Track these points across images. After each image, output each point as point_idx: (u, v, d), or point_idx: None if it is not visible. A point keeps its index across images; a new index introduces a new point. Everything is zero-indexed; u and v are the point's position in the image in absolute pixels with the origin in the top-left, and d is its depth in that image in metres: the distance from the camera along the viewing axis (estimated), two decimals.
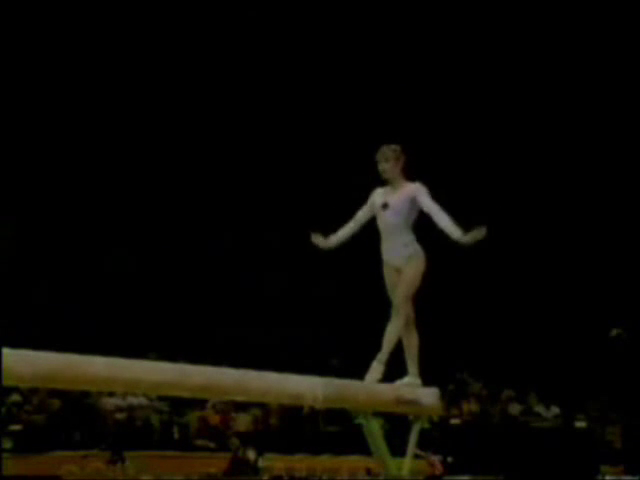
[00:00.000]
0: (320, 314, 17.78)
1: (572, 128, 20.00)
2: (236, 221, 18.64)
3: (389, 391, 7.01)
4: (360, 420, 6.90)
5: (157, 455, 13.38)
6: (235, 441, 14.07)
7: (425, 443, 7.47)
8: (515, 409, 16.67)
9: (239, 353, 11.86)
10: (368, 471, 12.41)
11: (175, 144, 18.59)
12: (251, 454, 13.80)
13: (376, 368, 7.03)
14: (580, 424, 16.48)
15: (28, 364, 5.48)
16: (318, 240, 7.36)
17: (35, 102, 17.52)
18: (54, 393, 13.06)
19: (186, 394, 6.75)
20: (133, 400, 13.96)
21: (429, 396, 7.18)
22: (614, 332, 17.53)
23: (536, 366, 17.44)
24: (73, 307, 16.31)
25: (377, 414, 6.95)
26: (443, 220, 6.98)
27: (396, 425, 7.15)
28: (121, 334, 14.91)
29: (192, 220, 18.30)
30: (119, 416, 13.92)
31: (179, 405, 14.34)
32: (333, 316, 17.89)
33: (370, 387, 6.97)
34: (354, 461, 13.21)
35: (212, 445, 14.26)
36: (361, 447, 7.52)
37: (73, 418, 13.51)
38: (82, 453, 12.95)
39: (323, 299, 18.33)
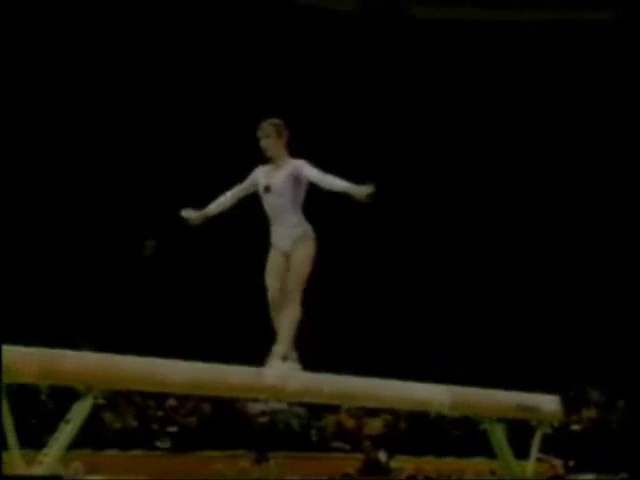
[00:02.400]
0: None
1: (535, 117, 19.18)
2: None
3: (511, 398, 6.84)
4: (484, 425, 6.75)
5: (297, 456, 13.42)
6: (368, 444, 14.01)
7: (547, 447, 7.20)
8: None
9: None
10: (492, 473, 12.12)
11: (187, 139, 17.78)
12: (382, 456, 13.72)
13: (276, 364, 6.04)
14: None
15: (181, 373, 5.54)
16: (189, 214, 6.36)
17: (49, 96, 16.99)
18: (205, 398, 13.20)
19: (319, 400, 6.71)
20: (275, 405, 14.01)
21: (550, 403, 7.01)
22: None
23: None
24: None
25: (500, 420, 6.80)
26: (334, 183, 6.05)
27: (519, 430, 6.97)
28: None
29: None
30: (263, 420, 14.00)
31: (316, 410, 14.33)
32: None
33: (493, 394, 6.82)
34: (479, 463, 12.95)
35: (347, 447, 14.23)
36: (485, 450, 7.37)
37: (222, 421, 13.64)
38: (230, 453, 13.07)
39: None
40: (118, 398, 12.68)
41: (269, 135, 6.20)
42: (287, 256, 6.19)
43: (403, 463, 13.78)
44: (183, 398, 13.36)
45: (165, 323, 15.25)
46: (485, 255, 18.27)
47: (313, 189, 6.25)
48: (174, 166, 17.46)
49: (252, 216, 6.46)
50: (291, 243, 6.18)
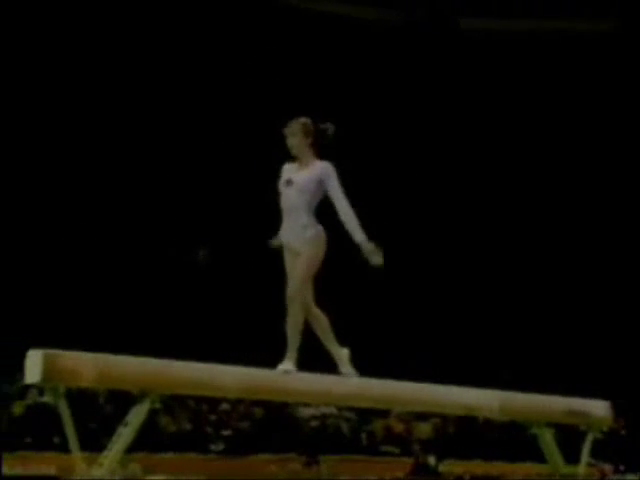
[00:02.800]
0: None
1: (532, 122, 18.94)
2: None
3: (561, 403, 6.78)
4: (534, 430, 6.69)
5: (347, 459, 13.40)
6: (417, 447, 13.95)
7: (597, 452, 7.12)
8: None
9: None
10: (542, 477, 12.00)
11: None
12: (431, 460, 13.66)
13: (286, 368, 5.90)
14: None
15: (235, 378, 5.58)
16: (277, 244, 6.17)
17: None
18: (257, 403, 13.25)
19: (368, 405, 6.70)
20: (325, 409, 14.02)
21: (600, 408, 6.93)
22: None
23: None
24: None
25: (549, 424, 6.74)
26: (346, 214, 5.88)
27: (568, 434, 6.91)
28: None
29: None
30: (313, 423, 14.01)
31: (366, 414, 14.30)
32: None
33: (542, 400, 6.77)
34: (528, 467, 12.84)
35: (396, 451, 14.18)
36: (535, 454, 7.31)
37: (274, 425, 13.67)
38: (282, 456, 13.10)
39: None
40: (173, 402, 12.78)
41: (295, 133, 6.08)
42: (297, 255, 6.03)
43: (452, 467, 13.71)
44: (236, 402, 13.42)
45: (216, 329, 15.34)
46: (527, 265, 18.14)
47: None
48: (230, 174, 17.52)
49: None
50: (301, 243, 6.01)
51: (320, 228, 6.05)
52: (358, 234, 5.89)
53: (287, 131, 6.09)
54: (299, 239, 6.01)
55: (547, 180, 18.78)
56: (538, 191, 18.76)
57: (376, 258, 5.86)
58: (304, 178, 6.02)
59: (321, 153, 6.14)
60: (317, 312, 6.08)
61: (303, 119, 6.11)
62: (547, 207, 18.64)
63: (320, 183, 6.00)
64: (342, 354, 6.10)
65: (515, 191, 18.80)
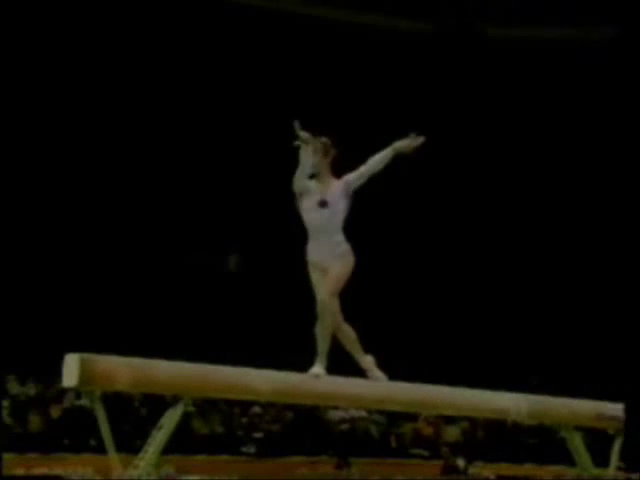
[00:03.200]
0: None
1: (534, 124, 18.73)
2: None
3: (590, 407, 6.72)
4: (562, 433, 6.65)
5: (377, 462, 13.37)
6: (446, 450, 13.89)
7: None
8: None
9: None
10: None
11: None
12: (460, 462, 13.60)
13: (317, 372, 5.93)
14: None
15: (267, 382, 5.59)
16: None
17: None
18: (288, 406, 13.25)
19: (397, 408, 6.68)
20: (354, 412, 13.99)
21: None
22: None
23: None
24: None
25: (578, 428, 6.69)
26: (380, 156, 6.08)
27: (597, 438, 6.85)
28: None
29: None
30: (343, 427, 13.99)
31: (395, 417, 14.27)
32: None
33: (571, 403, 6.71)
34: (556, 471, 12.74)
35: (425, 453, 14.13)
36: (563, 458, 7.25)
37: (304, 428, 13.66)
38: (312, 458, 13.09)
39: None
40: (206, 405, 12.81)
41: (317, 152, 6.05)
42: (326, 272, 6.03)
43: (481, 469, 13.64)
44: (267, 405, 13.43)
45: (248, 334, 15.36)
46: (559, 273, 18.03)
47: None
48: (260, 182, 17.53)
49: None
50: (331, 259, 6.02)
51: (348, 246, 6.09)
52: (389, 149, 6.15)
53: (307, 148, 6.01)
54: (330, 256, 6.02)
55: (561, 182, 18.65)
56: (563, 197, 18.64)
57: (414, 140, 6.20)
58: (335, 198, 6.03)
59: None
60: (346, 327, 6.11)
61: (323, 138, 6.10)
62: (575, 214, 18.50)
63: (347, 198, 6.06)
64: (368, 361, 6.14)
65: (540, 197, 18.70)
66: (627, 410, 6.73)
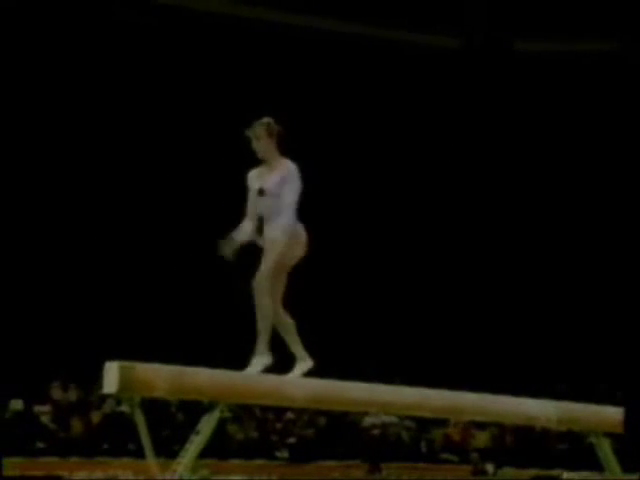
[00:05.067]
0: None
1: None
2: None
3: (618, 413, 6.62)
4: (591, 439, 6.55)
5: (408, 466, 13.31)
6: (475, 455, 13.79)
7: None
8: None
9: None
10: None
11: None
12: (489, 467, 13.49)
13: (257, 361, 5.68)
14: None
15: (302, 389, 5.56)
16: (226, 252, 5.82)
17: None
18: (320, 412, 13.22)
19: (428, 414, 6.62)
20: (386, 418, 13.93)
21: None
22: None
23: None
24: None
25: (607, 434, 6.59)
26: (281, 218, 5.64)
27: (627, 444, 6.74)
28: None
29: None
30: (375, 432, 13.93)
31: (425, 423, 14.19)
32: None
33: (600, 409, 6.62)
34: (585, 476, 12.59)
35: (455, 459, 14.04)
36: (591, 463, 7.16)
37: (337, 433, 13.62)
38: (345, 463, 13.04)
39: None
40: (241, 411, 12.81)
41: (259, 137, 5.74)
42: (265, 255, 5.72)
43: (509, 475, 13.52)
44: (300, 411, 13.40)
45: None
46: (584, 282, 17.86)
47: (306, 191, 5.77)
48: None
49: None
50: (269, 243, 5.70)
51: (300, 226, 5.76)
52: (283, 217, 5.68)
53: (251, 134, 5.75)
54: (269, 239, 5.72)
55: (574, 187, 18.53)
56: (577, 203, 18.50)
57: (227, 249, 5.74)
58: (275, 183, 5.73)
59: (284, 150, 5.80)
60: (283, 313, 5.79)
61: (265, 119, 5.79)
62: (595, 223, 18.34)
63: (296, 182, 5.72)
64: (304, 355, 5.79)
65: (556, 205, 18.56)
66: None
